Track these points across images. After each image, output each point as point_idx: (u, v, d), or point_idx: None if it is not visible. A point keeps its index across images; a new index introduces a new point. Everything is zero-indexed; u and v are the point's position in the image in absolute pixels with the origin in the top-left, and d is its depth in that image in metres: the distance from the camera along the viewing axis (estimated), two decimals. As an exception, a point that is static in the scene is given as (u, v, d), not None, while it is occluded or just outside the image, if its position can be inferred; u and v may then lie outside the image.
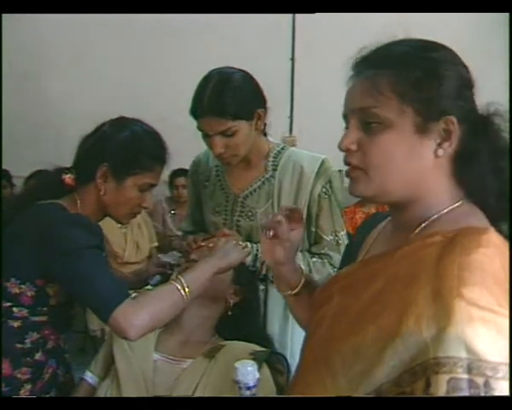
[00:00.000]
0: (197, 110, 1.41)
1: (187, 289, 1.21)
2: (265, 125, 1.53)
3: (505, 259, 0.71)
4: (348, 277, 0.87)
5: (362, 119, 0.80)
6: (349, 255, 1.03)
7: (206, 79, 1.42)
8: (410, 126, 0.76)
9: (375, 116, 0.78)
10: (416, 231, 0.80)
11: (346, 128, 0.84)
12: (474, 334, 0.63)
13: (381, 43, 0.82)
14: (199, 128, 1.43)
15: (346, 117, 0.84)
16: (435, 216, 0.79)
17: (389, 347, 0.68)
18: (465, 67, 0.81)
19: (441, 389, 0.63)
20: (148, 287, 1.58)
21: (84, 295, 1.19)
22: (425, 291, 0.68)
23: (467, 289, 0.66)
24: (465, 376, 0.62)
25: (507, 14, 1.66)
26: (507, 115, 0.80)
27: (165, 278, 1.55)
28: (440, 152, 0.77)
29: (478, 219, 0.79)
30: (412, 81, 0.76)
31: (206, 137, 1.43)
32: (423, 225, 0.80)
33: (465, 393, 0.62)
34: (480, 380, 0.62)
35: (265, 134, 1.58)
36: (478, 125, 0.79)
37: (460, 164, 0.80)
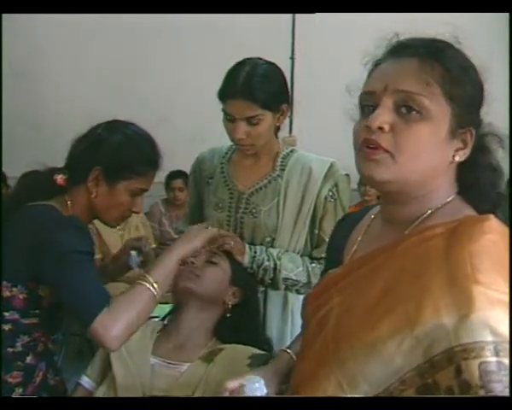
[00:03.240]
0: (228, 91, 1.42)
1: (155, 285, 1.21)
2: (279, 127, 1.55)
3: (507, 243, 0.73)
4: (347, 276, 0.86)
5: (400, 102, 0.77)
6: (334, 256, 1.01)
7: (241, 65, 1.44)
8: (446, 125, 0.77)
9: (418, 104, 0.76)
10: (413, 226, 0.81)
11: (369, 106, 0.81)
12: (497, 317, 0.65)
13: (419, 35, 0.82)
14: (224, 111, 1.44)
15: (372, 94, 0.80)
16: (430, 211, 0.81)
17: (408, 337, 0.69)
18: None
19: (475, 374, 0.64)
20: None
21: (67, 300, 1.20)
22: (439, 280, 0.69)
23: (482, 275, 0.67)
24: (494, 359, 0.64)
25: (507, 14, 1.65)
26: (504, 138, 0.83)
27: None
28: (456, 158, 0.79)
29: (470, 210, 0.81)
30: (458, 82, 0.77)
31: (229, 121, 1.43)
32: (420, 219, 0.81)
33: (496, 376, 0.63)
34: (507, 361, 0.64)
35: (277, 136, 1.59)
36: (480, 141, 0.82)
37: (463, 171, 0.82)
